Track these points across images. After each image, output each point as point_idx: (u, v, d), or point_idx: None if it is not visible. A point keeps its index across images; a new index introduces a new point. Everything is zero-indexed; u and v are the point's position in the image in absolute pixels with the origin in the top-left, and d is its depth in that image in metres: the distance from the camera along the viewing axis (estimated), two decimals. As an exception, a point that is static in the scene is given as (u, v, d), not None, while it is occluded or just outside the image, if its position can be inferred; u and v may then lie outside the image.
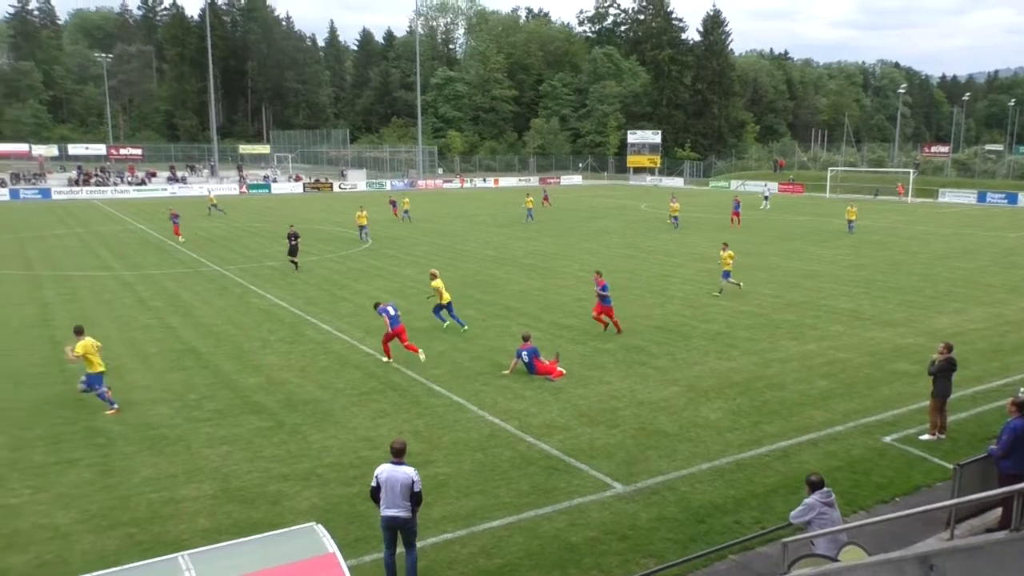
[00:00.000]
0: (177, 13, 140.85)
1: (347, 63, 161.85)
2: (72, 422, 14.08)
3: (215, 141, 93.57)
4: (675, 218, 45.78)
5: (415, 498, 8.81)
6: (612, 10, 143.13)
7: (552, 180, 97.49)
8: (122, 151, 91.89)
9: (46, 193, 69.70)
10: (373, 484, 8.86)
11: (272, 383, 16.41)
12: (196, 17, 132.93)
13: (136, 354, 18.59)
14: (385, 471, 8.81)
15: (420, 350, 17.95)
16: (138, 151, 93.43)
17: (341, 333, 20.70)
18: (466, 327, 20.83)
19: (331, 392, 15.87)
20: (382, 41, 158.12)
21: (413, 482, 8.77)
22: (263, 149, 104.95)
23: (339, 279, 28.92)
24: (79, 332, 14.76)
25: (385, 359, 17.90)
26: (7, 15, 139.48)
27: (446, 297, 20.70)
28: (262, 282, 27.91)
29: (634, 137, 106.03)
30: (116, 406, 14.67)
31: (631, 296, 25.49)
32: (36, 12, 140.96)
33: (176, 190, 76.07)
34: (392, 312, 17.77)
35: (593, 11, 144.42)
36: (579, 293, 26.05)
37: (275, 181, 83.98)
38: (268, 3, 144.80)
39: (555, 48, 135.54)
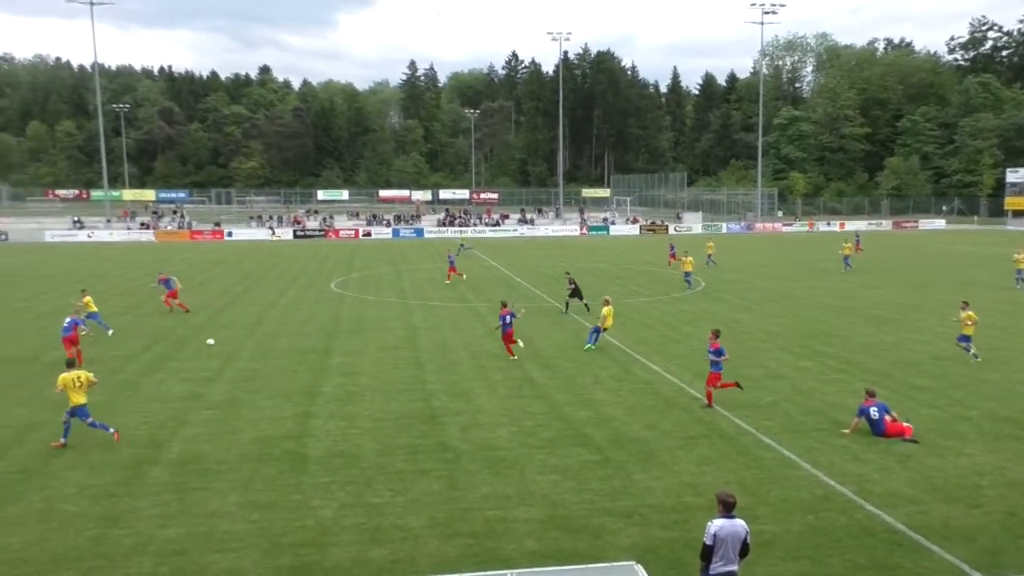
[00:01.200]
0: (535, 70, 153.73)
1: (687, 107, 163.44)
2: (427, 436, 15.80)
3: (561, 186, 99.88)
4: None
5: (744, 551, 8.48)
6: (991, 34, 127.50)
7: (908, 224, 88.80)
8: (482, 195, 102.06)
9: (419, 232, 79.73)
10: (708, 542, 8.33)
11: (601, 418, 16.94)
12: (551, 72, 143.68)
13: (483, 380, 20.35)
14: (724, 527, 8.37)
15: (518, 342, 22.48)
16: (495, 195, 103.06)
17: (670, 375, 20.76)
18: (589, 347, 24.07)
19: (657, 433, 15.95)
20: (724, 84, 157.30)
21: (746, 534, 8.47)
22: (604, 193, 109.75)
23: (671, 321, 29.06)
24: (70, 365, 15.72)
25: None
26: (400, 82, 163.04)
27: (609, 323, 24.23)
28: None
29: (1015, 176, 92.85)
30: (112, 430, 15.46)
31: (1006, 358, 22.20)
32: (422, 78, 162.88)
33: (524, 231, 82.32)
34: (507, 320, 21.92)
35: (967, 36, 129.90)
36: (937, 350, 23.31)
37: (613, 223, 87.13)
38: (615, 54, 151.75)
39: (918, 80, 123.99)
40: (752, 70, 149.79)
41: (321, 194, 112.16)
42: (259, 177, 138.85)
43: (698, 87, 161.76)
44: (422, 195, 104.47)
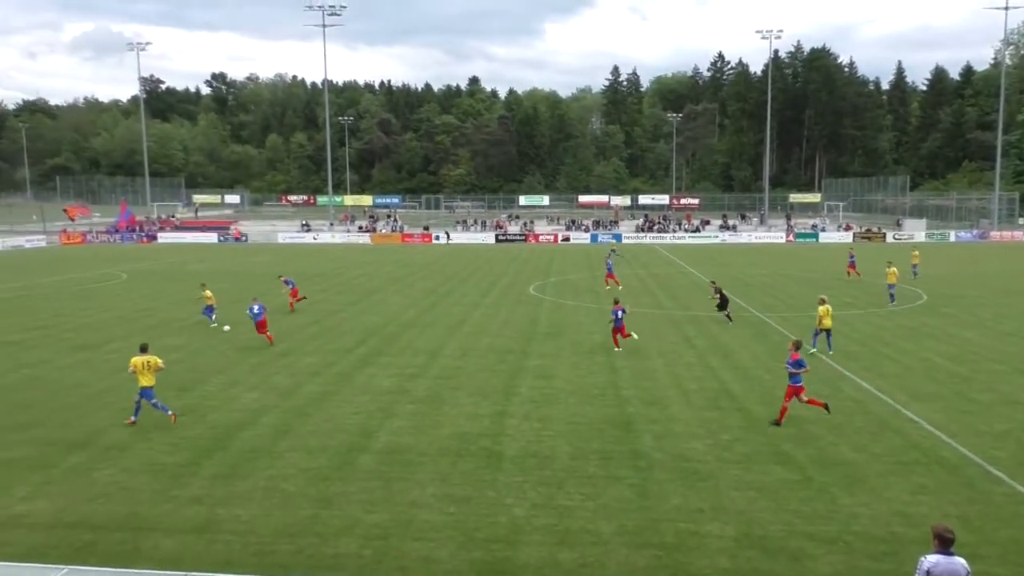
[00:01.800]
0: (742, 71, 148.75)
1: (913, 105, 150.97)
2: (620, 442, 15.74)
3: (766, 190, 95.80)
4: None
5: (964, 594, 7.72)
6: None
7: None
8: (682, 201, 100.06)
9: (618, 238, 79.56)
10: None
11: (803, 436, 16.06)
12: (759, 72, 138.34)
13: (678, 389, 19.95)
14: (940, 564, 7.75)
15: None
16: (695, 201, 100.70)
17: (882, 393, 19.27)
18: (814, 349, 23.55)
19: (866, 456, 14.86)
20: (957, 78, 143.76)
21: (967, 575, 7.71)
22: (813, 198, 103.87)
23: (885, 336, 26.97)
24: (143, 349, 17.20)
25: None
26: (603, 87, 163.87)
27: (827, 323, 23.47)
28: (802, 333, 27.51)
29: None
30: (170, 412, 16.96)
31: None
32: (625, 83, 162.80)
33: (726, 238, 79.77)
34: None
35: None
36: None
37: (823, 230, 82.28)
38: (831, 51, 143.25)
39: None
40: (992, 61, 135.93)
41: (523, 199, 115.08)
42: (466, 183, 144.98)
43: (926, 82, 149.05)
44: (621, 200, 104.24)
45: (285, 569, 10.52)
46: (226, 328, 28.33)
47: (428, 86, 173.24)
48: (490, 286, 41.83)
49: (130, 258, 59.18)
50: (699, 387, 20.06)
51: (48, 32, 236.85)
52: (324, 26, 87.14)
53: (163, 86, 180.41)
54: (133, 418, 17.12)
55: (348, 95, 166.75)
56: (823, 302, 23.93)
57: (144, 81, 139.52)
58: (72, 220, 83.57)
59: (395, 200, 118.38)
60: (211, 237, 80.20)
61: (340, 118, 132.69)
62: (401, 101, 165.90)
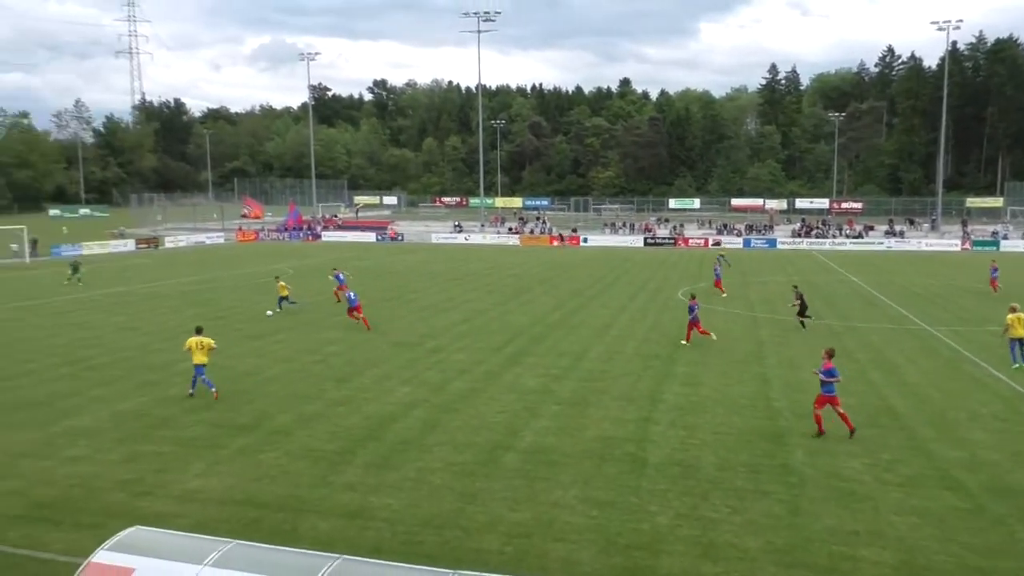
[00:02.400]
0: (914, 65, 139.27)
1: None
2: (770, 456, 15.16)
3: (939, 194, 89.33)
4: None
5: None
6: None
7: None
8: (843, 205, 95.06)
9: (772, 243, 76.63)
10: None
11: (976, 462, 14.85)
12: (933, 67, 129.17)
13: (834, 403, 18.97)
14: None
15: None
16: (858, 205, 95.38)
17: (1072, 419, 17.50)
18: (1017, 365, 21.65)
19: (1050, 486, 13.56)
20: None
21: None
22: (994, 202, 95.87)
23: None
24: (199, 331, 19.30)
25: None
26: (759, 86, 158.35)
27: (1018, 332, 21.87)
28: (978, 348, 25.47)
29: None
30: (214, 389, 18.80)
31: None
32: (783, 81, 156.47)
33: (892, 244, 75.02)
34: None
35: None
36: None
37: (1005, 237, 75.64)
38: (1020, 41, 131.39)
39: None
40: None
41: (673, 202, 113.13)
42: (615, 186, 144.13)
43: None
44: (776, 204, 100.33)
45: (431, 560, 10.87)
46: (268, 313, 32.04)
47: (579, 89, 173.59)
48: (637, 290, 41.39)
49: (297, 255, 62.99)
50: (858, 402, 18.97)
51: (231, 46, 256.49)
52: (479, 32, 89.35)
53: (329, 93, 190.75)
54: (191, 390, 19.30)
55: (501, 99, 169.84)
56: (1014, 310, 22.13)
57: (313, 89, 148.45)
58: (248, 211, 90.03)
59: (544, 202, 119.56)
60: (370, 236, 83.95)
61: (493, 121, 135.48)
62: (552, 104, 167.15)
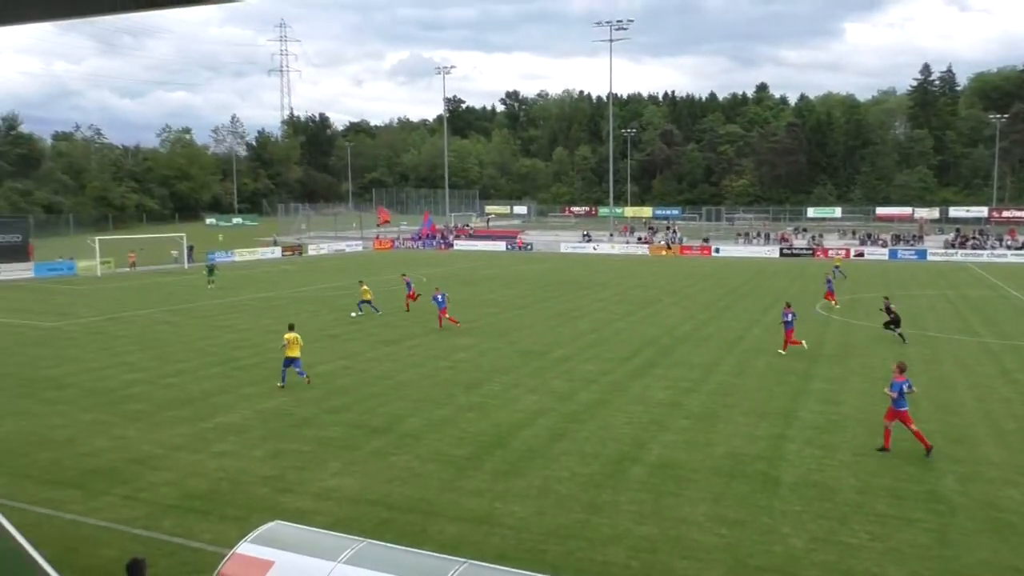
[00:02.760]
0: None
1: None
2: (916, 481, 14.25)
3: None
4: None
5: None
6: None
7: None
8: (1004, 213, 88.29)
9: (922, 254, 72.11)
10: None
11: None
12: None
13: (991, 427, 17.63)
14: None
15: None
16: (1022, 213, 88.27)
17: None
18: None
19: None
20: None
21: None
22: None
23: None
24: (291, 328, 21.62)
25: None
26: (909, 88, 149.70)
27: None
28: None
29: None
30: (305, 375, 21.34)
31: None
32: (936, 82, 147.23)
33: (1061, 256, 68.87)
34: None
35: None
36: None
37: None
38: None
39: None
40: None
41: (811, 211, 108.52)
42: (749, 195, 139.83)
43: None
44: (927, 212, 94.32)
45: (555, 569, 10.87)
46: (352, 315, 33.98)
47: (712, 95, 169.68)
48: (772, 302, 39.93)
49: (430, 263, 64.78)
50: (1019, 427, 17.55)
51: (372, 61, 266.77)
52: (611, 41, 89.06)
53: (463, 105, 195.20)
54: (281, 383, 21.34)
55: (631, 107, 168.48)
56: None
57: (448, 101, 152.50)
58: (384, 222, 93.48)
59: (675, 212, 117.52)
60: (500, 245, 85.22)
61: (623, 130, 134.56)
62: (684, 111, 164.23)
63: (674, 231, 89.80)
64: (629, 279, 51.90)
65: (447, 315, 31.00)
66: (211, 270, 46.82)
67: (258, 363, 24.64)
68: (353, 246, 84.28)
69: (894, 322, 28.27)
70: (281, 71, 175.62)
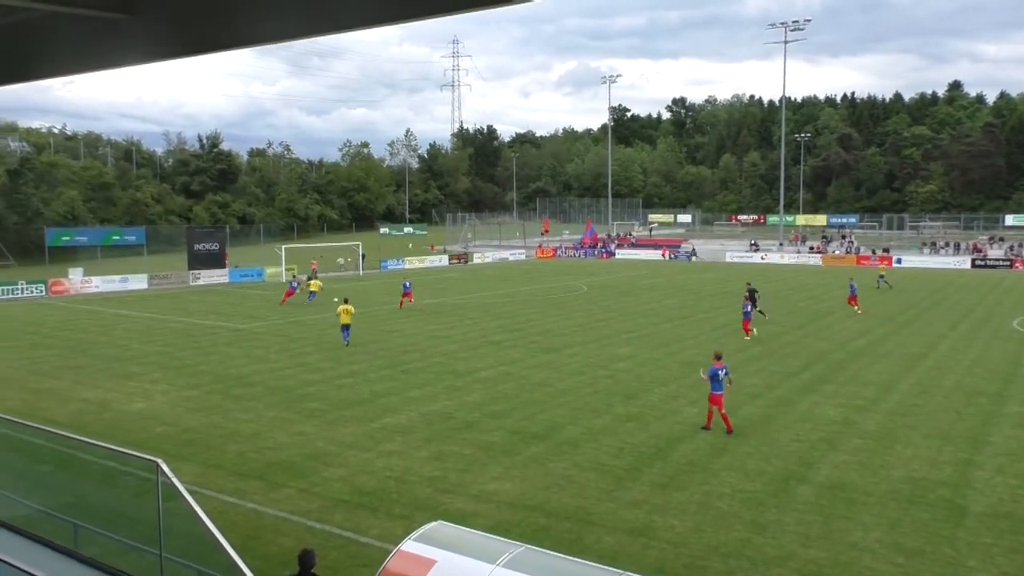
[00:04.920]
0: None
1: None
2: None
3: None
4: None
5: None
6: None
7: None
8: None
9: None
10: None
11: None
12: None
13: None
14: None
15: None
16: None
17: None
18: None
19: None
20: None
21: None
22: None
23: None
24: (346, 301, 28.90)
25: None
26: None
27: None
28: None
29: None
30: (348, 341, 27.84)
31: None
32: None
33: None
34: None
35: None
36: None
37: None
38: None
39: None
40: None
41: (1010, 219, 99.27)
42: (937, 201, 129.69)
43: None
44: None
45: (714, 587, 10.58)
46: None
47: (897, 96, 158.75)
48: (960, 317, 36.86)
49: (591, 272, 64.82)
50: None
51: (540, 73, 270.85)
52: (785, 42, 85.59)
53: (628, 114, 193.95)
54: (345, 341, 28.66)
55: (806, 111, 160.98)
56: None
57: (613, 110, 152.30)
58: (545, 233, 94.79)
59: (852, 219, 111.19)
60: (662, 255, 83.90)
61: (796, 135, 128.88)
62: (865, 114, 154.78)
63: (850, 240, 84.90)
64: (799, 290, 49.59)
65: (411, 298, 39.34)
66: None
67: (424, 367, 25.63)
68: (516, 255, 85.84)
69: (752, 302, 33.01)
70: (452, 86, 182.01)
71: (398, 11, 8.75)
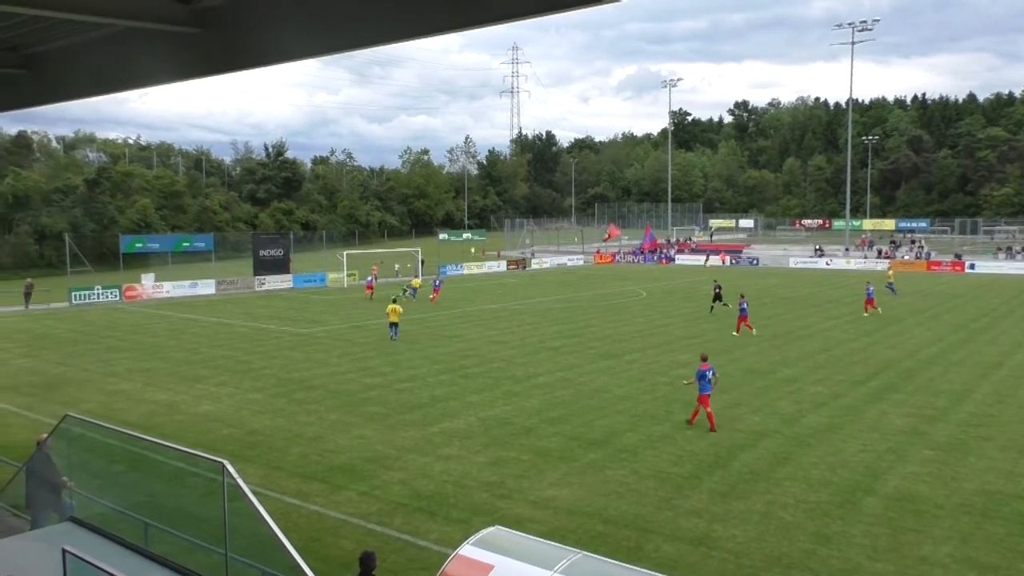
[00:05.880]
0: None
1: None
2: None
3: None
4: None
5: None
6: None
7: None
8: None
9: None
10: None
11: None
12: None
13: None
14: None
15: None
16: None
17: None
18: None
19: None
20: None
21: None
22: None
23: None
24: (394, 300, 30.22)
25: None
26: None
27: None
28: None
29: None
30: (395, 337, 30.00)
31: None
32: None
33: None
34: None
35: None
36: None
37: None
38: None
39: None
40: None
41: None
42: (1013, 204, 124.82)
43: None
44: None
45: (776, 599, 10.35)
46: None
47: (971, 96, 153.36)
48: (1040, 324, 35.39)
49: (650, 277, 64.22)
50: None
51: (599, 78, 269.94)
52: (852, 43, 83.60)
53: (689, 118, 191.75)
54: (393, 336, 31.14)
55: (874, 113, 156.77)
56: None
57: (673, 115, 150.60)
58: (609, 238, 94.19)
59: (922, 224, 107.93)
60: (723, 260, 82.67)
61: (863, 138, 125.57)
62: (936, 115, 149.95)
63: (920, 244, 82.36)
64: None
65: (371, 290, 46.11)
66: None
67: (483, 372, 25.73)
68: (575, 260, 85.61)
69: (717, 297, 37.36)
70: (512, 92, 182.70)
71: (469, 16, 8.82)
